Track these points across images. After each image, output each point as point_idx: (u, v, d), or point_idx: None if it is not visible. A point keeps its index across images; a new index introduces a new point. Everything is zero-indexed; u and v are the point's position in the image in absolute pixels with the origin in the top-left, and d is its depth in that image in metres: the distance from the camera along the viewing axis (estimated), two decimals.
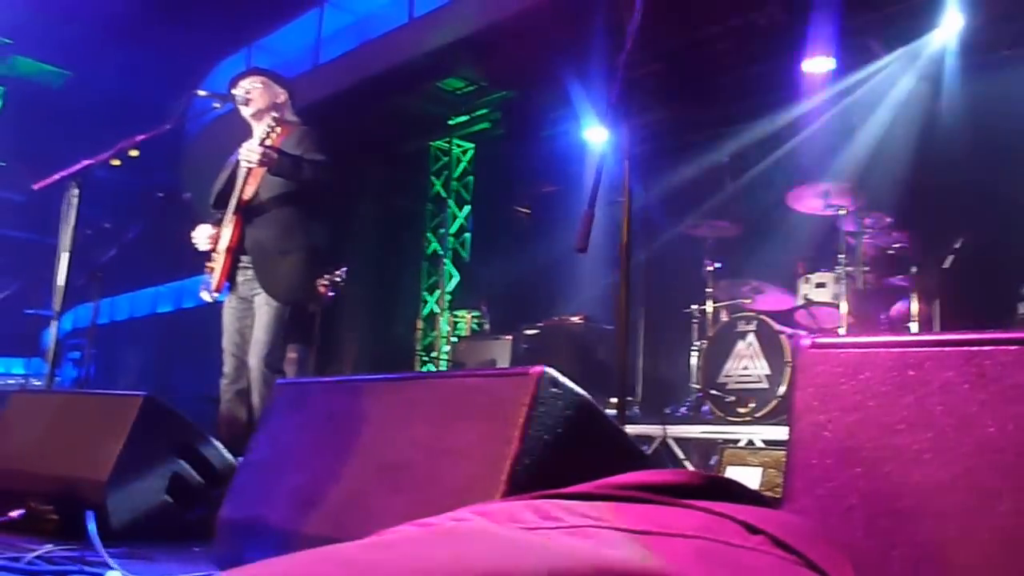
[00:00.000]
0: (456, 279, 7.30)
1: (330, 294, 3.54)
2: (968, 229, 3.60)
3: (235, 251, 2.67)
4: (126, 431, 1.91)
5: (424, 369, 7.06)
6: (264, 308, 2.64)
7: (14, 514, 1.95)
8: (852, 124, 3.61)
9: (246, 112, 2.76)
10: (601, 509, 0.66)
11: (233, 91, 2.79)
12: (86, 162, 2.66)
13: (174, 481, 1.99)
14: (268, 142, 2.61)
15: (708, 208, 4.29)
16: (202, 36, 7.98)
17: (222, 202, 2.72)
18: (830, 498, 1.00)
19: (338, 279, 3.53)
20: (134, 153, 2.71)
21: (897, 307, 3.63)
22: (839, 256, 3.58)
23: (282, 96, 2.80)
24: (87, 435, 1.99)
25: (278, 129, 2.65)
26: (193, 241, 2.73)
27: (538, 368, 1.26)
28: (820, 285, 3.66)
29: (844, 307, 3.49)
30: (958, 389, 0.97)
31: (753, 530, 0.68)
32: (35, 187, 2.74)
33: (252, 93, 2.74)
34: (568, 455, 1.25)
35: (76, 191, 2.62)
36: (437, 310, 7.26)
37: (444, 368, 6.76)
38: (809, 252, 3.80)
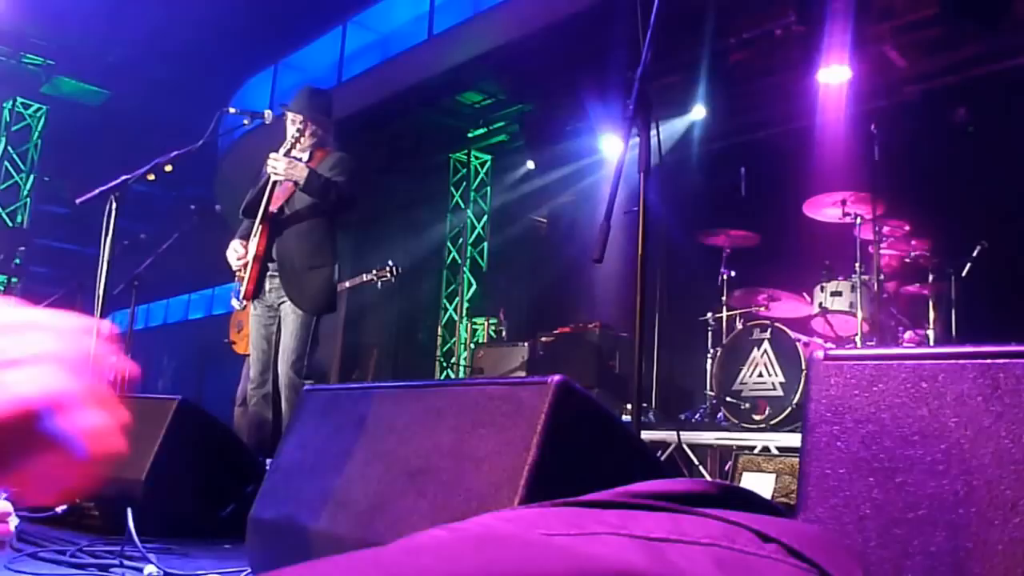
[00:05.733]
0: (474, 287, 7.38)
1: (379, 286, 3.67)
2: (986, 237, 3.57)
3: (263, 259, 2.75)
4: (162, 433, 1.99)
5: (444, 374, 7.13)
6: (291, 316, 2.72)
7: (59, 509, 2.06)
8: (869, 132, 3.61)
9: (291, 131, 2.83)
10: (619, 516, 0.68)
11: (277, 111, 2.87)
12: (124, 177, 2.77)
13: (207, 480, 2.05)
14: (294, 153, 2.69)
15: (725, 217, 4.30)
16: (231, 55, 8.23)
17: (250, 212, 2.81)
18: (844, 507, 1.01)
19: (386, 276, 3.63)
20: (168, 168, 2.81)
21: (914, 316, 3.61)
22: (855, 264, 3.57)
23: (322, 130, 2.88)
24: (127, 436, 2.06)
25: (302, 140, 2.72)
26: (227, 256, 2.83)
27: (557, 377, 1.29)
28: (836, 293, 3.65)
29: (860, 315, 3.48)
30: (972, 401, 0.98)
31: (766, 539, 0.70)
32: (77, 201, 2.85)
33: (304, 133, 2.81)
34: (585, 462, 1.28)
35: (114, 204, 2.72)
36: (456, 317, 7.34)
37: (463, 373, 6.81)
38: (825, 260, 3.79)
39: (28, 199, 10.47)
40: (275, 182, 2.75)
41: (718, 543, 0.65)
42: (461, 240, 7.49)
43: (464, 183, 7.58)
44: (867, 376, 1.05)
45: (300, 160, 2.72)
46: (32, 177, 10.53)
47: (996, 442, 0.94)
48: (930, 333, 3.53)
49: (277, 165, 2.65)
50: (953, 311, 3.52)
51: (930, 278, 3.57)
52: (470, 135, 7.07)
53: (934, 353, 1.03)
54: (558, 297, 6.17)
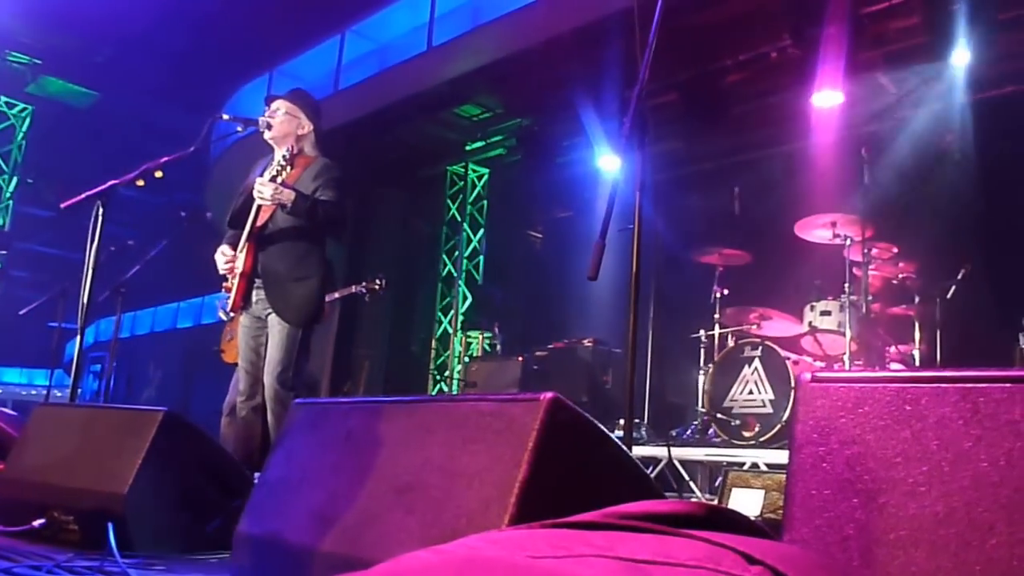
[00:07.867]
0: (469, 301, 7.39)
1: (366, 299, 3.72)
2: (970, 261, 3.66)
3: (250, 276, 2.73)
4: (146, 445, 1.95)
5: (437, 388, 7.12)
6: (277, 328, 2.69)
7: (35, 524, 1.98)
8: (860, 156, 3.70)
9: (267, 135, 2.81)
10: (606, 538, 0.69)
11: (265, 108, 2.84)
12: (112, 182, 2.70)
13: (192, 494, 2.02)
14: (280, 179, 2.66)
15: (718, 236, 4.36)
16: (226, 61, 8.19)
17: (236, 223, 2.79)
18: (828, 528, 1.03)
19: (376, 287, 3.66)
20: (159, 174, 2.75)
21: (900, 336, 3.67)
22: (844, 285, 3.63)
23: (306, 128, 2.83)
24: (108, 448, 2.02)
25: (288, 169, 2.69)
26: (215, 261, 2.81)
27: (549, 394, 1.30)
28: (825, 313, 3.71)
29: (849, 335, 3.52)
30: (953, 425, 0.99)
31: (752, 560, 0.71)
32: (62, 206, 2.79)
33: (275, 117, 2.79)
34: (576, 479, 1.29)
35: (101, 209, 2.65)
36: (450, 330, 7.34)
37: (456, 387, 6.80)
38: (815, 280, 3.85)
39: (10, 201, 10.34)
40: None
41: (703, 565, 0.66)
42: (457, 253, 7.51)
43: (461, 196, 7.61)
44: (852, 398, 1.07)
45: (284, 163, 2.68)
46: (15, 179, 10.39)
47: (975, 465, 0.96)
48: (916, 353, 3.60)
49: (264, 191, 2.62)
50: (938, 332, 3.59)
51: (916, 299, 3.66)
52: (468, 148, 7.09)
53: (917, 377, 1.05)
54: (552, 312, 6.19)
